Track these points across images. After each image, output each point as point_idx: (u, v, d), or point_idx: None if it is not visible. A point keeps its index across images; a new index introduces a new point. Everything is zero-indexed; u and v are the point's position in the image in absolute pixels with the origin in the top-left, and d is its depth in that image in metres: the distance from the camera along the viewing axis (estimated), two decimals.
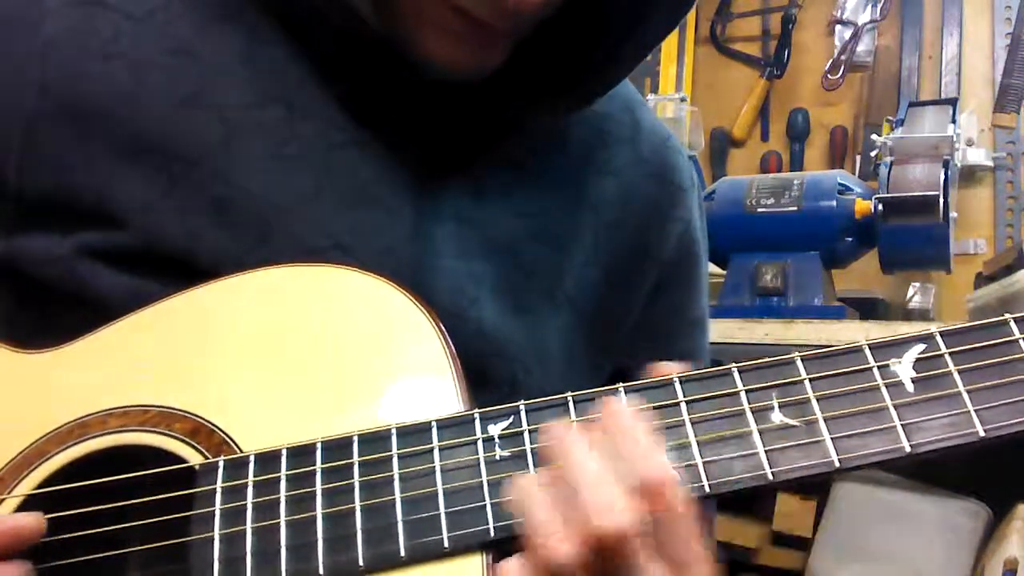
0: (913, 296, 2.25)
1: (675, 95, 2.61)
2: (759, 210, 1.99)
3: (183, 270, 0.65)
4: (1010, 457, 0.74)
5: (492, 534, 0.55)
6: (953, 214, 1.89)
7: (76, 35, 0.69)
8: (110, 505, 0.59)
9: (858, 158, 2.53)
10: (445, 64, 0.68)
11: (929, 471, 1.80)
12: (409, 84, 0.71)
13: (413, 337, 0.62)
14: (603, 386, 0.59)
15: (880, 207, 1.86)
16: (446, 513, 0.55)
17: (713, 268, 2.14)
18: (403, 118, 0.72)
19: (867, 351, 0.57)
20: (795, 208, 1.96)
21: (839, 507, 1.85)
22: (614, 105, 0.83)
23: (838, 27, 2.53)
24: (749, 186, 2.04)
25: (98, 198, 0.67)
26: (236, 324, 0.64)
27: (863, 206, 1.91)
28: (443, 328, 0.62)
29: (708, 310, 0.92)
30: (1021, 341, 0.56)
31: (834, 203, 1.95)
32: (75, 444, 0.62)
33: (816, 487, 1.90)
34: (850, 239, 1.96)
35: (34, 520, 0.58)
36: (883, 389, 0.56)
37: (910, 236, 1.86)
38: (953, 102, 2.05)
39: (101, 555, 0.59)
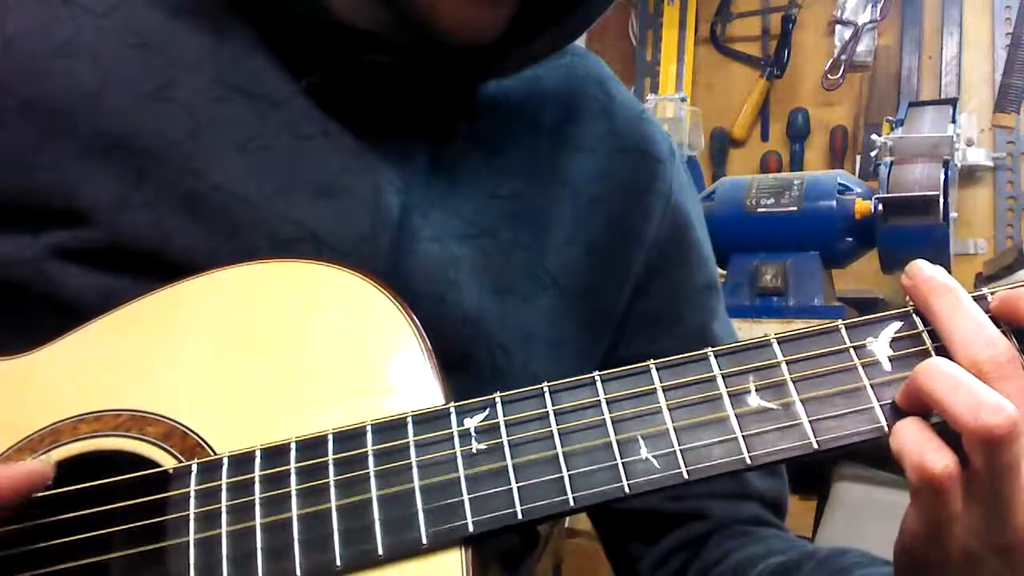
0: None
1: (675, 95, 2.61)
2: (759, 210, 1.99)
3: (155, 266, 0.65)
4: None
5: (471, 529, 0.54)
6: (953, 214, 1.89)
7: (37, 32, 0.68)
8: (83, 512, 0.58)
9: (858, 158, 2.53)
10: (458, 27, 0.67)
11: None
12: (376, 72, 0.71)
13: (387, 331, 0.61)
14: (593, 370, 0.57)
15: (880, 207, 1.86)
16: (424, 510, 0.54)
17: None
18: (371, 106, 0.72)
19: (843, 331, 0.56)
20: (795, 208, 1.97)
21: (839, 507, 1.83)
22: (586, 82, 0.82)
23: (838, 27, 2.54)
24: (749, 186, 2.04)
25: (66, 197, 0.66)
26: (208, 324, 0.63)
27: (863, 206, 1.92)
28: (416, 320, 0.61)
29: (717, 275, 0.88)
30: None
31: (834, 203, 1.96)
32: (47, 451, 0.60)
33: (816, 487, 1.89)
34: (850, 239, 1.96)
35: (41, 465, 0.57)
36: (860, 369, 0.55)
37: (910, 236, 1.85)
38: (953, 102, 2.05)
39: (75, 564, 0.57)
